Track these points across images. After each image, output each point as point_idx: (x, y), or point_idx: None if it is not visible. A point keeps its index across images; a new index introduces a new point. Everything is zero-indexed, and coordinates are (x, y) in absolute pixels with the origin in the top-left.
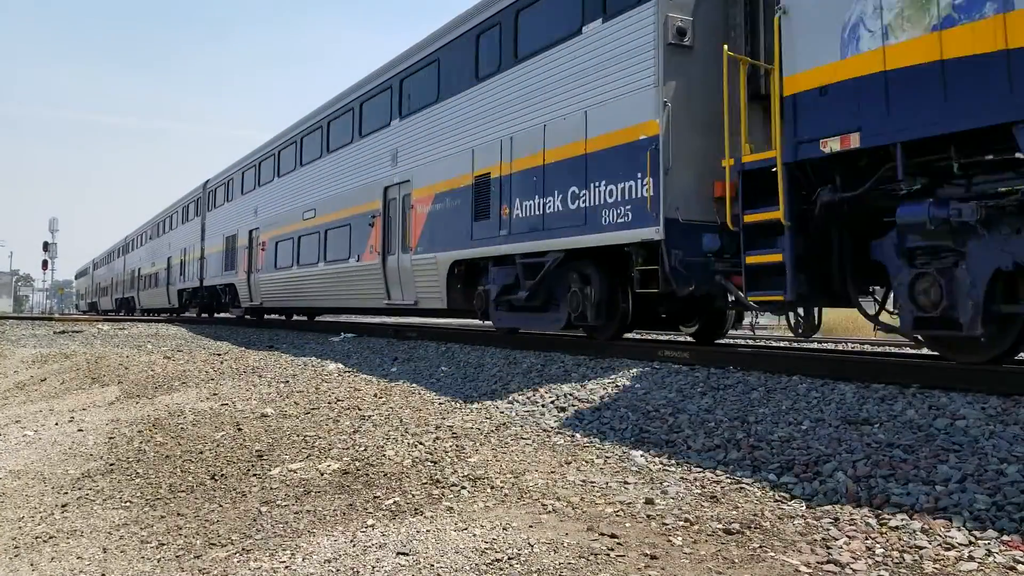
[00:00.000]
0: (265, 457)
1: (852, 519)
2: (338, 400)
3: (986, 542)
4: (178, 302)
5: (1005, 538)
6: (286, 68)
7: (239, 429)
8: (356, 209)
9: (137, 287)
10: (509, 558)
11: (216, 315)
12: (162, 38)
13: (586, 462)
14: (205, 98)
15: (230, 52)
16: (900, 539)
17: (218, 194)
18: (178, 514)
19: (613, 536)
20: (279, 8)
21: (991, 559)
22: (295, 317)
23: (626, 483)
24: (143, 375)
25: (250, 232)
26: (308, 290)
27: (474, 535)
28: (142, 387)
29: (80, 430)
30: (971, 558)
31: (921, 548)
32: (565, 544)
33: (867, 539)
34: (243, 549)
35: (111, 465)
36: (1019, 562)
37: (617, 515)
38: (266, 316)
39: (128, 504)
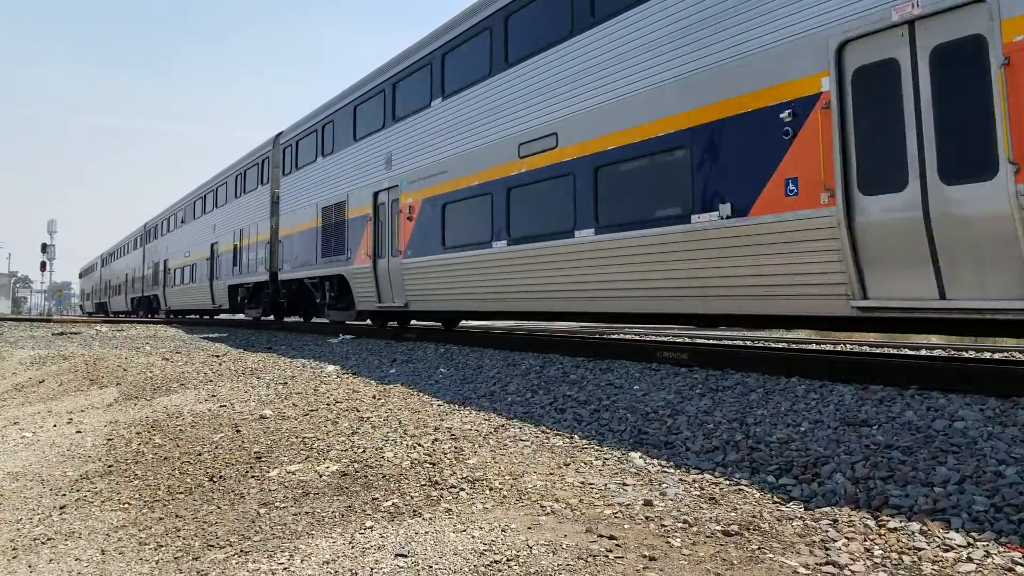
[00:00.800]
0: (263, 459)
1: (851, 521)
2: (337, 402)
3: (984, 544)
4: (229, 301)
5: (1004, 540)
6: (282, 69)
7: (237, 431)
8: (701, 114)
9: (163, 283)
10: (508, 559)
11: (287, 319)
12: (162, 39)
13: (585, 464)
14: (205, 100)
15: (230, 53)
16: (899, 540)
17: (301, 150)
18: (176, 516)
19: (612, 538)
20: (278, 8)
21: (990, 561)
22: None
23: (625, 485)
24: (142, 377)
25: (376, 195)
26: (540, 284)
27: (473, 536)
28: (140, 389)
29: (78, 432)
30: (970, 559)
31: (920, 549)
32: (564, 546)
33: (866, 540)
34: (241, 551)
35: (109, 467)
36: (1018, 564)
37: (616, 517)
38: (388, 324)
39: (126, 506)
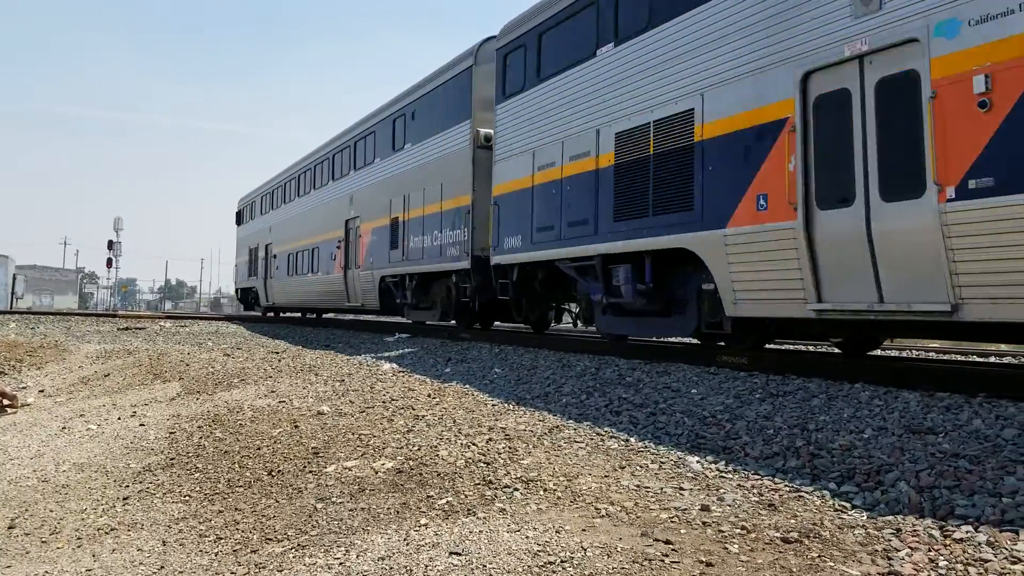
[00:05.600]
0: (321, 454)
1: (915, 530)
2: (392, 399)
3: None
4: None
5: None
6: (354, 72)
7: (296, 426)
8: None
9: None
10: (562, 561)
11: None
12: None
13: (640, 467)
14: (278, 106)
15: (300, 65)
16: (964, 551)
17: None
18: (236, 509)
19: (668, 542)
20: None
21: None
22: (349, 317)
23: (681, 489)
24: (203, 372)
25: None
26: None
27: (527, 537)
28: (202, 384)
29: (142, 425)
30: None
31: (986, 561)
32: (619, 549)
33: (930, 551)
34: (299, 545)
35: (171, 460)
36: None
37: (672, 521)
38: (281, 315)
39: (187, 498)
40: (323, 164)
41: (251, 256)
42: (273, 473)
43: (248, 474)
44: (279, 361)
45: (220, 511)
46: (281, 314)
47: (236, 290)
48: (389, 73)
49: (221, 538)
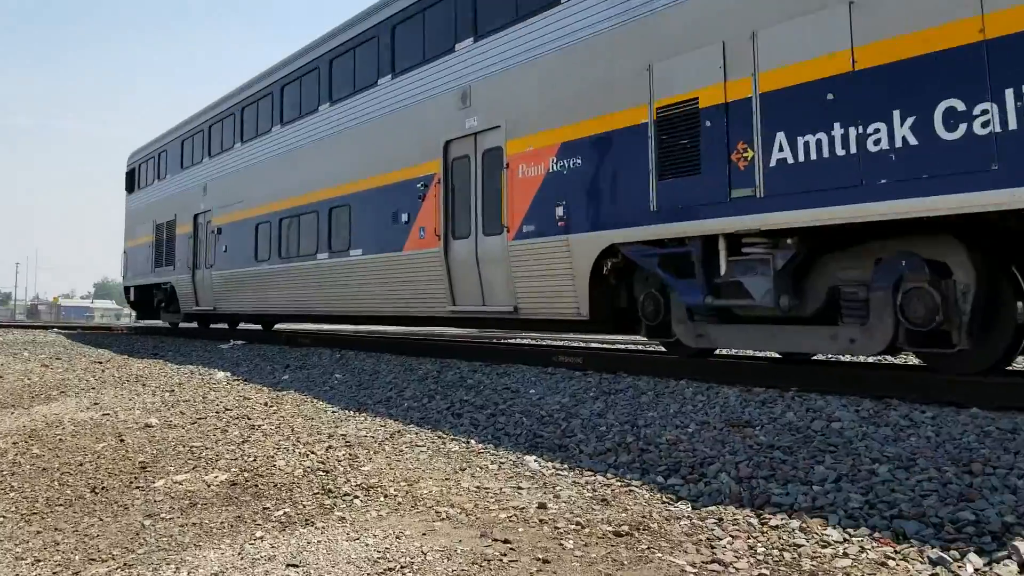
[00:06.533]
0: (149, 469)
1: (735, 519)
2: (226, 409)
3: (859, 539)
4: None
5: (877, 535)
6: (184, 69)
7: (121, 440)
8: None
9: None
10: (402, 566)
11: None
12: (56, 36)
13: (481, 468)
14: (107, 97)
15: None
16: (780, 538)
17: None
18: (56, 529)
19: (506, 541)
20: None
21: (864, 556)
22: (181, 325)
23: (520, 488)
24: (19, 384)
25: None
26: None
27: (367, 544)
28: (17, 396)
29: None
30: (846, 555)
31: (800, 546)
32: (458, 551)
33: (749, 538)
34: (124, 564)
35: None
36: (890, 558)
37: (510, 520)
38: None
39: (1, 520)
40: (356, 54)
41: (160, 235)
42: (96, 490)
43: (69, 492)
44: (103, 371)
45: (38, 532)
46: (212, 325)
47: (125, 288)
48: None
49: (40, 560)
